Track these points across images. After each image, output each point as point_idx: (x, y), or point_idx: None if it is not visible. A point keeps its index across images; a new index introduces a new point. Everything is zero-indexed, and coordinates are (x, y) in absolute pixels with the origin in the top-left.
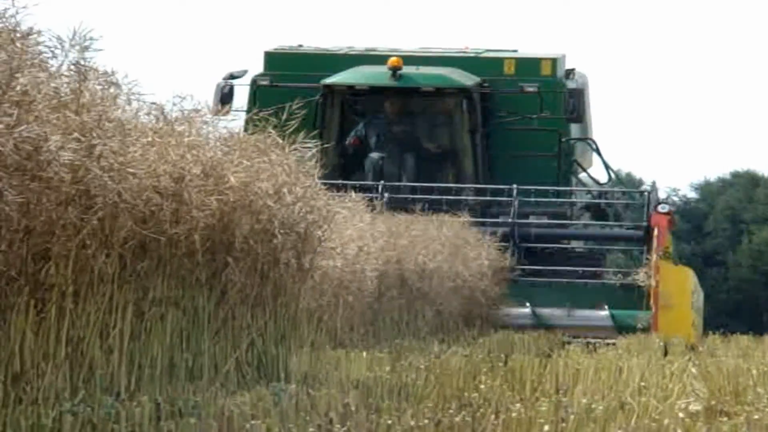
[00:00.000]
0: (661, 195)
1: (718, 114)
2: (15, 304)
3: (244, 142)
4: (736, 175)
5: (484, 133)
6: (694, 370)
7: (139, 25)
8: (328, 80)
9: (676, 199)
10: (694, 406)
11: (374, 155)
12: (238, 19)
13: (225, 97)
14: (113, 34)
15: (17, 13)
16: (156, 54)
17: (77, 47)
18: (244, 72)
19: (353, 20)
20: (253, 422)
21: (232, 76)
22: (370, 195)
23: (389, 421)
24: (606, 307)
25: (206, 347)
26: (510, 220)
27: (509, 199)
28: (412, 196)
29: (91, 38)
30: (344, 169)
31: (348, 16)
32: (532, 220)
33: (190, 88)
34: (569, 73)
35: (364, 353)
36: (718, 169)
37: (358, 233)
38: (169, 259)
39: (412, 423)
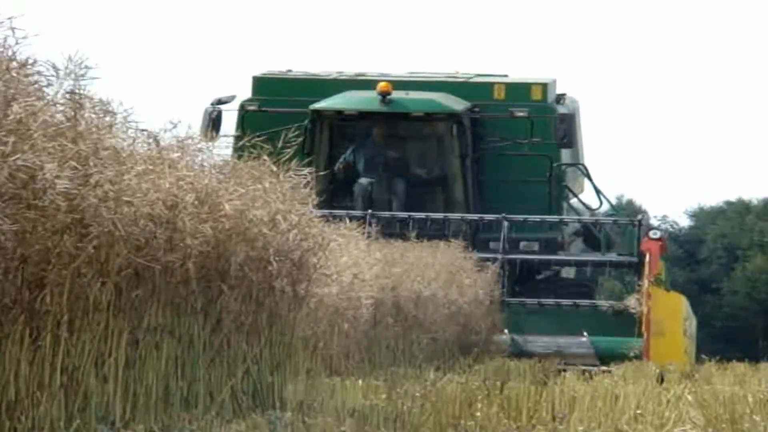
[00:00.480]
0: (653, 222)
1: (707, 143)
2: (10, 333)
3: (238, 169)
4: (728, 203)
5: (474, 159)
6: (690, 397)
7: (132, 52)
8: (317, 105)
9: (668, 226)
10: None
11: (363, 181)
12: (232, 44)
13: (213, 122)
14: (107, 61)
15: (17, 42)
16: (150, 81)
17: (72, 75)
18: (233, 97)
19: (343, 45)
20: None
21: (220, 102)
22: (358, 222)
23: None
24: (586, 334)
25: (201, 375)
26: (499, 253)
27: (497, 233)
28: (400, 222)
29: (86, 66)
30: (333, 194)
31: (338, 41)
32: (522, 245)
33: (184, 114)
34: (560, 98)
35: (360, 381)
36: (709, 198)
37: (353, 260)
38: (164, 287)
39: None
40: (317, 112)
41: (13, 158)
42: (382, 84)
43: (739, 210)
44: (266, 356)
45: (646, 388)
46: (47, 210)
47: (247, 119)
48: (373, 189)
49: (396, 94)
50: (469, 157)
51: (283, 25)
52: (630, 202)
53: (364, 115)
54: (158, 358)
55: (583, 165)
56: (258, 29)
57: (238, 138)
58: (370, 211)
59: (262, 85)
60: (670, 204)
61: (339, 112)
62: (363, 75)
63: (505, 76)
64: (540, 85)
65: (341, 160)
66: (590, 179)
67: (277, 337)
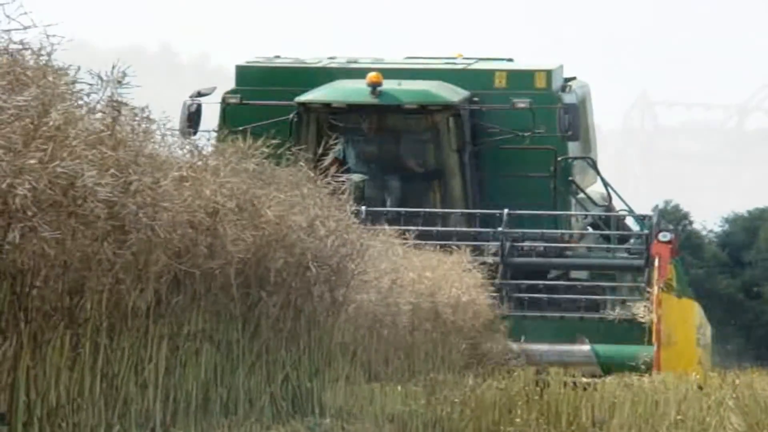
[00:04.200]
0: (697, 227)
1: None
2: (50, 339)
3: (277, 175)
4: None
5: (473, 153)
6: (731, 403)
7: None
8: (303, 98)
9: (714, 229)
10: None
11: (355, 177)
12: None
13: (192, 116)
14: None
15: (52, 48)
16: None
17: (112, 83)
18: (213, 89)
19: (338, 28)
20: None
21: (200, 94)
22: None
23: None
24: (587, 341)
25: (241, 382)
26: (497, 252)
27: (496, 229)
28: (396, 220)
29: (125, 74)
30: None
31: (333, 23)
32: (526, 244)
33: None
34: (566, 85)
35: (399, 387)
36: (741, 205)
37: (391, 266)
38: (204, 293)
39: None
40: (303, 104)
41: (53, 165)
42: (372, 75)
43: None
44: (305, 362)
45: (687, 394)
46: (88, 217)
47: (228, 113)
48: (366, 186)
49: (387, 85)
50: (467, 151)
51: (275, 6)
52: (676, 207)
53: (353, 108)
54: (198, 364)
55: (590, 158)
56: (248, 12)
57: (221, 133)
58: (364, 208)
59: (245, 74)
60: (711, 209)
61: (326, 105)
62: (355, 62)
63: (511, 60)
64: (544, 72)
65: (331, 155)
66: (598, 173)
67: (316, 343)
